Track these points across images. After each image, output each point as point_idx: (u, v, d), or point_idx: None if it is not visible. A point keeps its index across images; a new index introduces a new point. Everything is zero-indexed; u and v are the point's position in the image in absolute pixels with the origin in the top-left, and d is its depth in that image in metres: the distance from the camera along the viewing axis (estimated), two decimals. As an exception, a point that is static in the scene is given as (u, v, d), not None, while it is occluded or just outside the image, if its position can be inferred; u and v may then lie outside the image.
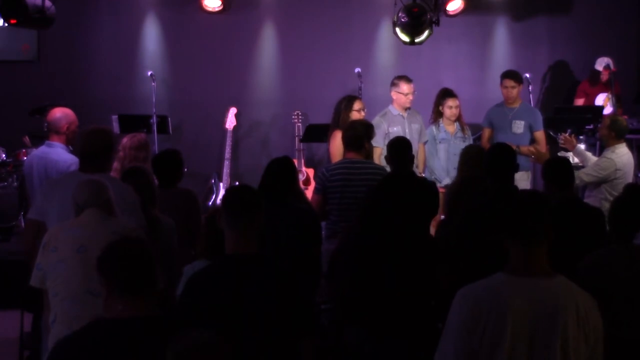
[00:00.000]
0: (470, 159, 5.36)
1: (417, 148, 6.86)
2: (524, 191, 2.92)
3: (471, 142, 7.52)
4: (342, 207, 5.26)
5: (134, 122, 7.95)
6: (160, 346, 2.57)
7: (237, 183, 8.06)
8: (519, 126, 7.42)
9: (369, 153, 5.54)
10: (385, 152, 5.86)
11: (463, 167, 5.42)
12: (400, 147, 5.23)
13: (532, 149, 7.21)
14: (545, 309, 2.60)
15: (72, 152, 5.13)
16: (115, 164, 5.43)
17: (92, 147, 4.26)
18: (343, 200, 5.27)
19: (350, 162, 5.40)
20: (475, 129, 7.96)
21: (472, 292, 2.70)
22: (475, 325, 2.61)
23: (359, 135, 5.45)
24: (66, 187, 4.10)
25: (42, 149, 5.29)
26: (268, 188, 4.42)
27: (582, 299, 2.66)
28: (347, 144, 5.49)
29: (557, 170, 4.44)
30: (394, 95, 7.12)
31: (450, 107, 7.24)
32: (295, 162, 6.53)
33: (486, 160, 4.52)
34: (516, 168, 4.49)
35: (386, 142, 6.67)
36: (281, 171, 4.47)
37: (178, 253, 4.44)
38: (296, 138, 8.66)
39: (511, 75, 7.53)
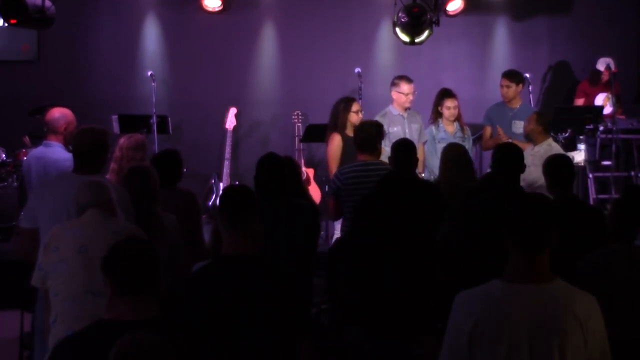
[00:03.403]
0: (451, 159, 5.39)
1: (417, 148, 6.84)
2: (529, 195, 2.89)
3: (471, 142, 7.54)
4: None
5: (134, 122, 7.95)
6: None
7: (237, 183, 8.07)
8: (518, 126, 7.45)
9: (380, 154, 5.50)
10: (386, 152, 5.85)
11: (445, 165, 5.44)
12: (405, 149, 5.19)
13: (526, 145, 7.18)
14: (543, 316, 2.57)
15: (71, 151, 5.12)
16: (113, 164, 5.42)
17: (84, 146, 4.25)
18: (356, 203, 5.23)
19: (364, 164, 5.33)
20: (475, 129, 7.96)
21: (469, 298, 2.67)
22: (470, 332, 2.60)
23: (372, 137, 5.40)
24: (58, 187, 4.09)
25: (40, 149, 5.28)
26: (262, 187, 4.40)
27: (581, 303, 2.62)
28: (360, 146, 5.42)
29: (557, 169, 4.43)
30: (394, 95, 7.11)
31: (448, 108, 7.24)
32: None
33: (493, 160, 4.51)
34: (523, 168, 4.49)
35: (386, 142, 6.68)
36: (272, 168, 4.45)
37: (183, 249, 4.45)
38: (296, 138, 8.66)
39: (507, 74, 7.58)
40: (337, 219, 5.48)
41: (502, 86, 7.54)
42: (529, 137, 6.80)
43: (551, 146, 6.51)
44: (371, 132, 5.42)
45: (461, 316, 2.64)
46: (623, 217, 3.54)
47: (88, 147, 4.26)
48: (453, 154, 5.49)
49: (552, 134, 7.13)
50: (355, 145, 5.50)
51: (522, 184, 5.75)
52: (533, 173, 6.12)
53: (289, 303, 2.93)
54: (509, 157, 4.45)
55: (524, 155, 4.56)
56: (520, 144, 6.92)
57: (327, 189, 5.53)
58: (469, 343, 2.60)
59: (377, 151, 5.44)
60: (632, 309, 3.33)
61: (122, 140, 5.48)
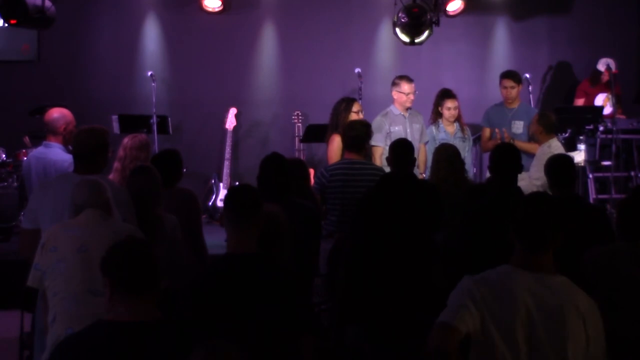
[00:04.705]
0: (445, 159, 5.41)
1: (418, 148, 6.85)
2: (535, 195, 2.90)
3: (471, 142, 7.54)
4: (343, 208, 5.26)
5: (134, 122, 7.96)
6: (160, 350, 2.57)
7: (237, 183, 8.07)
8: (518, 126, 7.45)
9: (367, 154, 5.53)
10: (386, 152, 5.87)
11: (438, 165, 5.45)
12: (402, 149, 5.21)
13: (527, 145, 7.18)
14: (547, 304, 2.61)
15: (70, 152, 5.12)
16: (116, 164, 5.42)
17: (85, 147, 4.25)
18: (343, 200, 5.27)
19: (350, 162, 5.40)
20: (475, 129, 7.97)
21: (480, 275, 2.70)
22: (477, 299, 2.60)
23: (361, 136, 5.44)
24: (59, 188, 4.08)
25: (40, 150, 5.28)
26: (265, 187, 4.41)
27: (583, 300, 2.67)
28: (348, 144, 5.47)
29: (558, 169, 4.43)
30: (395, 95, 7.10)
31: (448, 108, 7.24)
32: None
33: (491, 160, 4.52)
34: (520, 169, 4.50)
35: (387, 142, 6.68)
36: (276, 168, 4.46)
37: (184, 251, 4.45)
38: (296, 138, 8.66)
39: (510, 75, 7.56)
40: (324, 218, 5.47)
41: (505, 87, 7.51)
42: (533, 138, 6.81)
43: (551, 147, 6.51)
44: (361, 132, 5.46)
45: (470, 285, 2.64)
46: (629, 216, 3.53)
47: (88, 147, 4.26)
48: (448, 155, 5.50)
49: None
50: (344, 143, 5.52)
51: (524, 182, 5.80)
52: (533, 173, 6.15)
53: (292, 301, 2.94)
54: (507, 158, 4.45)
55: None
56: (520, 144, 6.95)
57: (312, 186, 5.53)
58: (473, 306, 2.58)
59: (365, 151, 5.49)
60: (635, 307, 3.33)
61: (126, 140, 5.48)
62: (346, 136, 5.52)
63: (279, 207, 3.62)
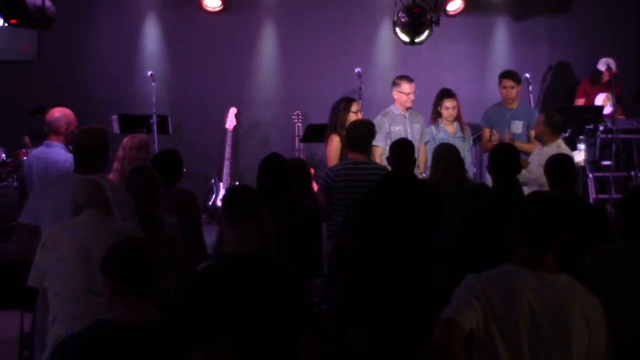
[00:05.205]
0: (445, 159, 5.41)
1: (418, 147, 6.84)
2: (536, 195, 2.91)
3: (471, 142, 7.54)
4: (348, 208, 5.25)
5: (134, 122, 7.96)
6: (160, 350, 2.57)
7: (237, 183, 8.07)
8: (517, 126, 7.45)
9: (371, 153, 5.52)
10: (386, 152, 5.87)
11: (437, 165, 5.45)
12: (402, 149, 5.21)
13: (526, 146, 7.19)
14: (550, 302, 2.62)
15: (71, 151, 5.12)
16: (116, 164, 5.42)
17: (85, 147, 4.26)
18: (348, 201, 5.26)
19: (354, 162, 5.37)
20: (475, 129, 7.97)
21: (484, 274, 2.70)
22: (481, 297, 2.60)
23: (364, 136, 5.42)
24: (59, 187, 4.09)
25: (41, 149, 5.29)
26: (265, 187, 4.41)
27: (586, 298, 2.68)
28: (352, 145, 5.45)
29: (558, 168, 4.43)
30: (395, 94, 7.10)
31: (447, 108, 7.25)
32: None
33: (490, 160, 4.52)
34: (520, 169, 4.50)
35: (388, 141, 6.68)
36: (276, 168, 4.46)
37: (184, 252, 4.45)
38: (296, 138, 8.66)
39: (510, 75, 7.57)
40: (328, 219, 5.47)
41: (505, 87, 7.52)
42: (539, 138, 6.82)
43: (560, 147, 6.47)
44: (364, 132, 5.45)
45: (474, 282, 2.65)
46: (629, 216, 3.53)
47: (88, 147, 4.26)
48: (447, 154, 5.50)
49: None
50: (347, 144, 5.51)
51: (535, 186, 5.78)
52: (536, 172, 6.13)
53: (290, 301, 2.94)
54: (506, 158, 4.45)
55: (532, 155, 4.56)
56: (520, 145, 6.96)
57: (318, 187, 5.53)
58: (477, 302, 2.59)
59: (368, 150, 5.47)
60: (635, 307, 3.33)
61: (125, 140, 5.48)
62: (349, 136, 5.50)
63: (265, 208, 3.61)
